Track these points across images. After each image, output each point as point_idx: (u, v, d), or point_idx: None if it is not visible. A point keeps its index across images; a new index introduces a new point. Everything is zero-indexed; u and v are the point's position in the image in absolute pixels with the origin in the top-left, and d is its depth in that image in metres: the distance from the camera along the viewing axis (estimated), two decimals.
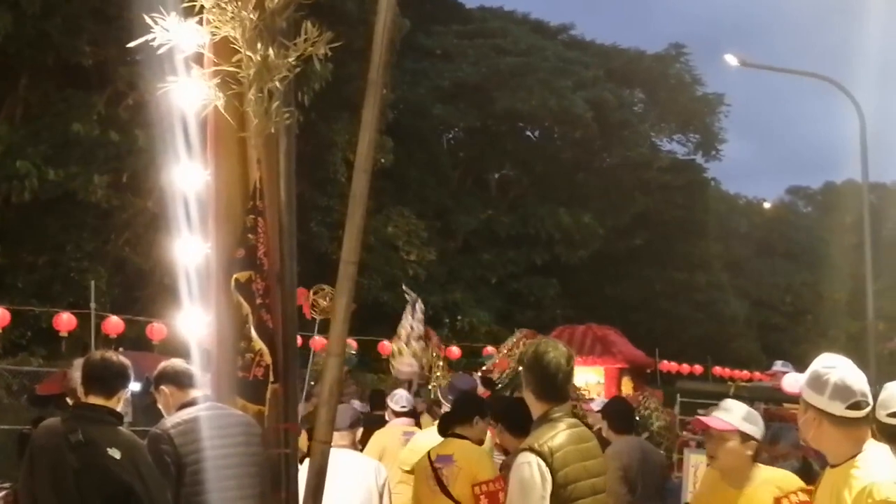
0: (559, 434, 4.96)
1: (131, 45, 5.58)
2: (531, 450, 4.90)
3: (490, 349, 19.91)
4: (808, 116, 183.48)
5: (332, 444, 5.52)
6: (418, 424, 9.94)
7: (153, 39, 5.40)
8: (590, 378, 20.81)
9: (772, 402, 15.87)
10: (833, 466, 4.18)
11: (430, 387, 12.93)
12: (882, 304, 28.09)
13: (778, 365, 15.03)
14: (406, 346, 12.23)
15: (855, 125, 25.47)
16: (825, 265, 48.89)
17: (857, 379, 4.13)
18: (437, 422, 8.74)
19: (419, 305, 13.67)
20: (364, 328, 20.86)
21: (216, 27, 5.44)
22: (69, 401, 7.25)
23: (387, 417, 10.49)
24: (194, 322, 5.82)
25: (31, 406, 15.71)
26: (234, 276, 5.38)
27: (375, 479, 7.17)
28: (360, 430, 7.64)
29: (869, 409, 4.13)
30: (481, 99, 40.61)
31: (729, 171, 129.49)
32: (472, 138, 43.31)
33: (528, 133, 46.17)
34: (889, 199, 53.51)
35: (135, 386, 6.37)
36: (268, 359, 5.37)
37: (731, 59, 27.88)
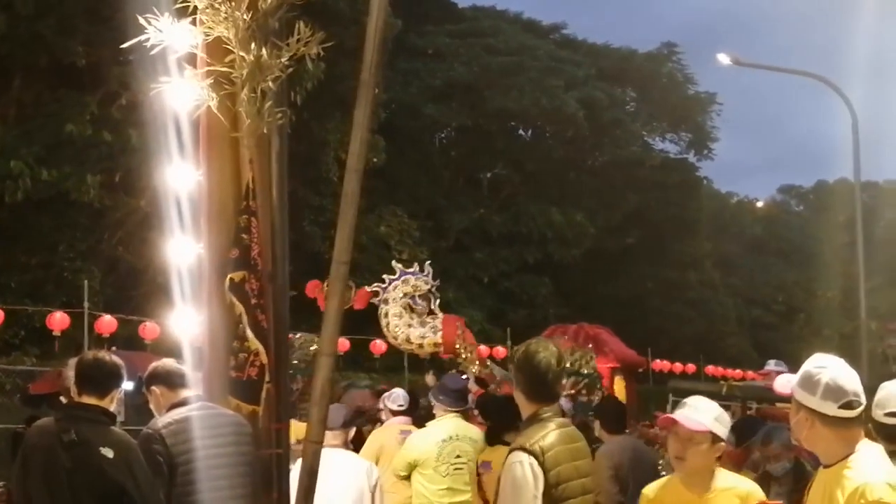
0: (550, 434, 4.99)
1: (125, 45, 5.59)
2: (523, 449, 4.93)
3: (483, 348, 19.89)
4: (801, 115, 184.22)
5: (325, 443, 5.53)
6: (416, 424, 9.93)
7: (146, 40, 5.41)
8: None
9: (764, 402, 15.85)
10: (826, 467, 4.16)
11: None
12: (874, 303, 28.15)
13: (771, 364, 15.02)
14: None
15: (847, 124, 25.59)
16: (817, 264, 48.93)
17: (849, 379, 4.11)
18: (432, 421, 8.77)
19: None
20: (356, 328, 20.83)
21: (209, 27, 5.45)
22: (63, 400, 7.26)
23: (383, 417, 10.50)
24: (187, 322, 5.82)
25: (24, 405, 15.72)
26: (229, 276, 5.39)
27: (367, 479, 7.18)
28: (352, 430, 7.65)
29: (861, 408, 4.11)
30: (473, 98, 40.58)
31: (721, 169, 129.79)
32: (463, 137, 43.26)
33: (520, 132, 46.13)
34: (881, 198, 53.64)
35: (127, 385, 6.38)
36: (263, 359, 5.38)
37: (723, 58, 27.98)
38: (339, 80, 24.43)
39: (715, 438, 5.02)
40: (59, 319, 17.99)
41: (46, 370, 16.90)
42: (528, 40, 44.77)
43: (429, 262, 11.94)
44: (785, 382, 9.39)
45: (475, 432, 8.13)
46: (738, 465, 7.68)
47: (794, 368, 11.34)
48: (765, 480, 6.83)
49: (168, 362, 5.79)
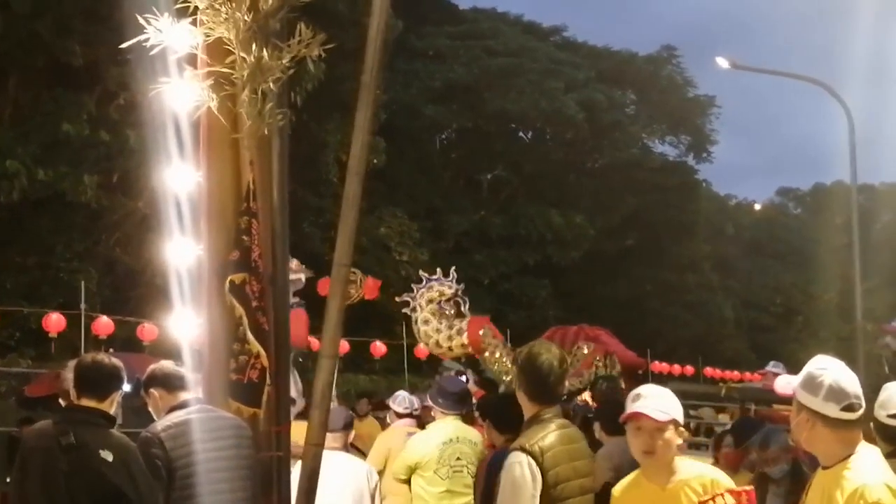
0: (549, 434, 5.09)
1: (124, 45, 5.56)
2: (522, 449, 5.03)
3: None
4: (798, 118, 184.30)
5: (325, 446, 5.52)
6: (421, 426, 9.91)
7: (145, 40, 5.39)
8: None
9: (762, 403, 15.86)
10: (825, 468, 4.19)
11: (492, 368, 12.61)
12: (871, 305, 28.17)
13: (771, 366, 15.04)
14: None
15: (844, 127, 25.60)
16: (815, 266, 49.05)
17: (850, 381, 4.15)
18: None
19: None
20: (356, 329, 20.84)
21: (210, 28, 5.42)
22: (62, 402, 7.23)
23: (388, 420, 10.49)
24: (185, 323, 5.79)
25: (20, 407, 15.67)
26: (229, 278, 5.37)
27: (367, 481, 7.17)
28: (352, 433, 7.64)
29: (862, 411, 4.14)
30: (473, 100, 40.61)
31: (719, 172, 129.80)
32: (463, 139, 43.30)
33: (520, 134, 46.16)
34: (878, 201, 53.75)
35: (125, 387, 6.35)
36: (264, 361, 5.35)
37: (722, 62, 27.96)
38: (339, 82, 24.42)
39: (677, 425, 4.78)
40: (55, 321, 17.90)
41: (42, 372, 16.83)
42: (528, 42, 44.82)
43: (454, 268, 12.17)
44: (785, 384, 9.39)
45: (475, 435, 8.11)
46: (734, 467, 7.68)
47: (792, 370, 11.34)
48: (762, 482, 6.82)
49: (166, 364, 5.74)
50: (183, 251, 5.73)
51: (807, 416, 4.16)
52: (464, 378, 10.99)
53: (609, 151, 46.01)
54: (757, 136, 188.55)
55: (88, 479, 4.96)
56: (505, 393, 8.77)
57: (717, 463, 8.12)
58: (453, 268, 12.12)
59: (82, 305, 18.90)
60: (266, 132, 5.46)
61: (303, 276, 9.84)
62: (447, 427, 8.14)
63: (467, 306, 11.85)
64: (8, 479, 6.37)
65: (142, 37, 5.39)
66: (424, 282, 11.86)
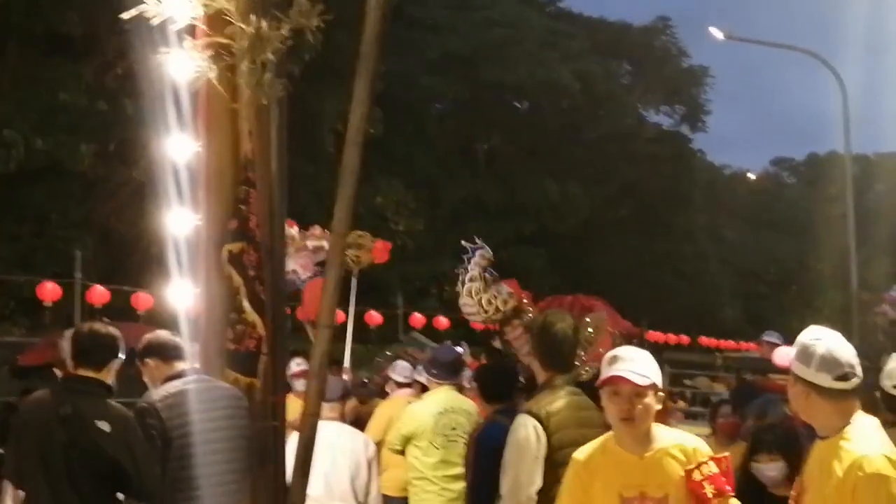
0: (558, 400, 5.26)
1: (124, 16, 5.52)
2: (529, 413, 5.20)
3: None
4: (793, 89, 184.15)
5: (322, 416, 5.54)
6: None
7: (145, 10, 5.36)
8: None
9: (759, 373, 15.89)
10: (822, 439, 4.19)
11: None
12: (865, 274, 28.22)
13: (766, 335, 15.03)
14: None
15: (838, 98, 25.62)
16: (809, 236, 48.96)
17: (844, 350, 4.14)
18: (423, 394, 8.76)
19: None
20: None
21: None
22: (58, 372, 7.22)
23: (387, 389, 10.50)
24: (181, 293, 5.77)
25: (14, 377, 15.62)
26: (227, 247, 5.36)
27: (364, 451, 7.19)
28: (349, 402, 7.65)
29: (857, 380, 4.13)
30: (469, 70, 40.44)
31: (714, 142, 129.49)
32: (459, 109, 43.16)
33: (516, 104, 46.06)
34: (872, 171, 53.62)
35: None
36: (261, 330, 5.36)
37: (716, 32, 27.91)
38: (335, 51, 24.30)
39: (656, 389, 4.52)
40: (50, 290, 17.77)
41: (36, 341, 16.77)
42: (525, 13, 44.55)
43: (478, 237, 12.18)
44: (784, 355, 9.41)
45: (470, 405, 8.10)
46: (732, 436, 7.72)
47: (787, 340, 11.35)
48: None
49: (162, 334, 5.72)
50: (180, 220, 5.71)
51: (802, 386, 4.16)
52: (458, 348, 10.97)
53: (604, 121, 45.87)
54: (751, 107, 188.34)
55: (86, 450, 4.96)
56: (494, 364, 8.74)
57: (714, 432, 8.17)
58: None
59: (77, 274, 18.79)
60: (265, 102, 5.45)
61: (325, 244, 9.79)
62: (441, 397, 8.13)
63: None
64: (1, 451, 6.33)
65: (141, 7, 5.37)
66: (471, 250, 11.79)
